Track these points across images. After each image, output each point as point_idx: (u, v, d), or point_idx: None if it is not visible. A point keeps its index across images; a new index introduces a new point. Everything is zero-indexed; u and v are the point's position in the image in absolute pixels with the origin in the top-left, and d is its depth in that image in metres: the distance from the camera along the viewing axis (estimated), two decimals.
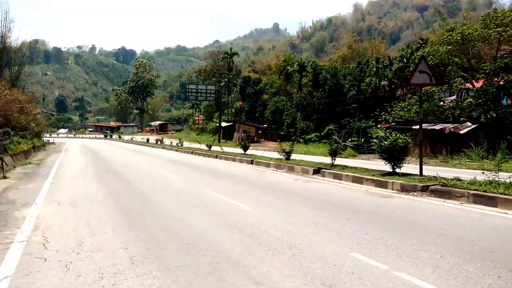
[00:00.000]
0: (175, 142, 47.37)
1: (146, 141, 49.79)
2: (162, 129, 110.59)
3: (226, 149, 33.54)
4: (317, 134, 60.27)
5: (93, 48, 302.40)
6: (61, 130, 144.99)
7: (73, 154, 31.79)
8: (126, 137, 75.25)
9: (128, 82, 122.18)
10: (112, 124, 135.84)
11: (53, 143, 61.08)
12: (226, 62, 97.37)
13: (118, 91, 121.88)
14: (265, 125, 66.63)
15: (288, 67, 69.01)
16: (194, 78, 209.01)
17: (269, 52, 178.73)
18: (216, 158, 27.81)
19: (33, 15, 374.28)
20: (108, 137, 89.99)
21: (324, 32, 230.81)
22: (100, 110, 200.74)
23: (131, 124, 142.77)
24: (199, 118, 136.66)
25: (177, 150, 37.10)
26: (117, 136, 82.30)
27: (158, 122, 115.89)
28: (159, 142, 45.76)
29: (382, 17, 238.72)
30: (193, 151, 33.66)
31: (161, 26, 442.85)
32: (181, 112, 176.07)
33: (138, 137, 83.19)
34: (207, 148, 33.45)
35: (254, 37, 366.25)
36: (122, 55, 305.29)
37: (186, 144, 47.23)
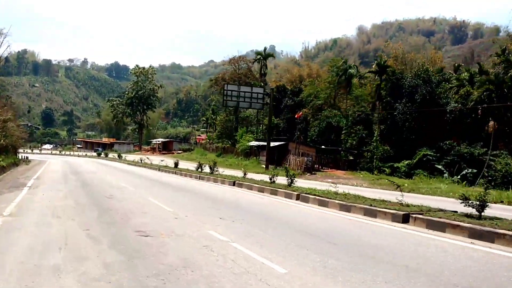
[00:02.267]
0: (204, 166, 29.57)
1: (174, 165, 29.97)
2: (166, 147, 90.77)
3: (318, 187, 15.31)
4: (407, 162, 41.64)
5: (85, 62, 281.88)
6: (46, 146, 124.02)
7: (45, 199, 12.53)
8: (130, 157, 55.34)
9: (126, 92, 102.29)
10: (105, 140, 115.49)
11: (26, 160, 41.60)
12: (248, 70, 78.96)
13: (114, 102, 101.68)
14: (322, 147, 47.77)
15: (351, 70, 50.67)
16: (204, 90, 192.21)
17: (271, 72, 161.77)
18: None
19: (22, 26, 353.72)
20: (102, 155, 69.80)
21: (329, 53, 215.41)
22: (90, 126, 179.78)
23: (126, 141, 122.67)
24: (200, 137, 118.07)
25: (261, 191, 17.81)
26: (114, 155, 62.11)
27: (161, 140, 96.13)
28: (200, 169, 26.13)
29: (388, 40, 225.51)
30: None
31: (155, 43, 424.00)
32: (178, 131, 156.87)
33: (139, 156, 63.56)
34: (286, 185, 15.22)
35: (251, 57, 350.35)
36: (115, 70, 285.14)
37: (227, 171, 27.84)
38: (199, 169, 26.03)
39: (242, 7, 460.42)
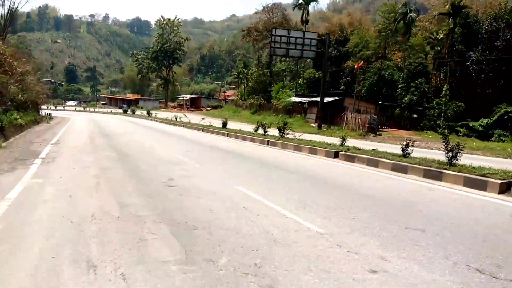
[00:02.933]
0: (245, 126, 26.63)
1: (222, 125, 23.91)
2: (194, 104, 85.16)
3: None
4: (484, 121, 35.19)
5: (106, 17, 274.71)
6: (70, 102, 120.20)
7: (62, 193, 6.93)
8: (160, 114, 49.90)
9: (151, 46, 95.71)
10: (129, 96, 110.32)
11: (49, 117, 36.92)
12: (283, 18, 71.48)
13: (139, 57, 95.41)
14: (379, 102, 41.41)
15: (412, 15, 43.32)
16: (228, 45, 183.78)
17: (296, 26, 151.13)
18: None
19: None
20: (128, 112, 64.74)
21: (358, 4, 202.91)
22: (114, 82, 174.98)
23: (151, 98, 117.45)
24: (225, 94, 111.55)
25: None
26: (142, 112, 56.87)
27: (188, 96, 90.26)
28: (263, 131, 20.01)
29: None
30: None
31: None
32: (202, 87, 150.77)
33: (166, 114, 58.28)
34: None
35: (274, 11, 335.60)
36: (136, 26, 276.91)
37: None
38: (262, 131, 20.17)
39: None
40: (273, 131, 19.91)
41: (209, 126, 25.87)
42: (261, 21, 71.90)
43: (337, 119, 36.68)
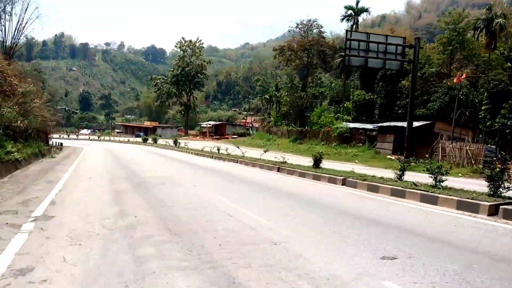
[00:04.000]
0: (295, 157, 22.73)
1: (314, 163, 15.33)
2: (218, 131, 76.98)
3: None
4: None
5: (121, 45, 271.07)
6: (84, 131, 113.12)
7: None
8: (191, 144, 41.27)
9: (171, 70, 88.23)
10: (147, 124, 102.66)
11: (59, 148, 29.15)
12: (320, 36, 63.61)
13: (158, 81, 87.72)
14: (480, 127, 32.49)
15: (499, 20, 34.93)
16: (245, 71, 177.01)
17: (333, 44, 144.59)
18: None
19: (60, 9, 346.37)
20: (149, 141, 56.55)
21: (377, 29, 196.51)
22: (129, 110, 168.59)
23: (170, 125, 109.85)
24: (246, 120, 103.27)
25: None
26: (167, 141, 48.36)
27: (212, 122, 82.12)
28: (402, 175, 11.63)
29: (440, 15, 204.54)
30: None
31: (190, 26, 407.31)
32: (220, 114, 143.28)
33: (195, 143, 49.82)
34: None
35: (287, 39, 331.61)
36: (151, 53, 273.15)
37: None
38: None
39: None
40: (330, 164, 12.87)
41: (284, 163, 17.14)
42: (295, 39, 64.20)
43: (423, 150, 27.91)
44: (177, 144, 40.72)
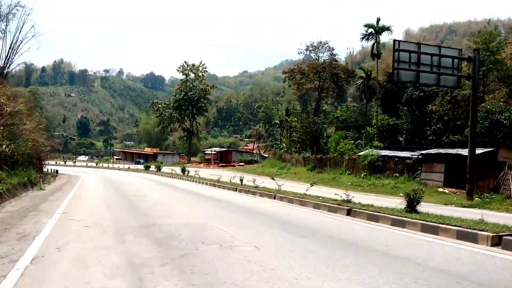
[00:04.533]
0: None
1: (408, 205, 11.04)
2: (223, 158, 72.36)
3: None
4: None
5: (120, 72, 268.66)
6: (81, 157, 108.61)
7: None
8: (202, 172, 36.58)
9: (174, 94, 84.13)
10: (147, 150, 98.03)
11: (53, 176, 24.58)
12: (332, 59, 59.97)
13: (160, 106, 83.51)
14: None
15: None
16: (245, 98, 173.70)
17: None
18: None
19: (59, 37, 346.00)
20: (151, 168, 51.81)
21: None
22: (128, 136, 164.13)
23: (170, 151, 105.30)
24: (247, 147, 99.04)
25: None
26: (174, 169, 43.57)
27: (216, 149, 77.54)
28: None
29: (439, 43, 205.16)
30: None
31: (189, 54, 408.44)
32: (220, 141, 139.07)
33: (205, 171, 45.18)
34: None
35: (285, 67, 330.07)
36: (150, 80, 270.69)
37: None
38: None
39: (276, 20, 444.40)
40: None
41: (324, 198, 12.61)
42: (305, 62, 60.49)
43: (481, 182, 23.43)
44: (186, 172, 35.98)
